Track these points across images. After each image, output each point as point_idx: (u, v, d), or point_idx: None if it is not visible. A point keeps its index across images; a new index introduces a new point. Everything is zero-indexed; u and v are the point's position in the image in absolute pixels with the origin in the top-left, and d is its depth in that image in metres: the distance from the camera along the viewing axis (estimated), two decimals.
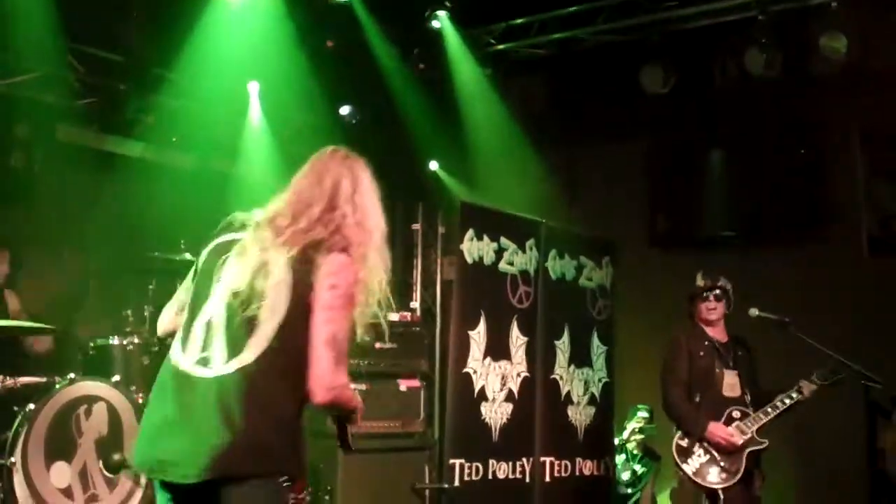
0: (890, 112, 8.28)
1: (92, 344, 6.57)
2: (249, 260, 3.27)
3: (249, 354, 3.17)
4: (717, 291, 6.41)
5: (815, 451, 8.13)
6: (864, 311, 8.28)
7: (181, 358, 3.25)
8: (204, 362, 3.20)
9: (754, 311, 6.36)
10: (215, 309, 3.27)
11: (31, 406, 5.76)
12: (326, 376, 3.17)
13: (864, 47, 7.78)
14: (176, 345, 3.31)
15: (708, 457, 6.15)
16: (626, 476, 8.45)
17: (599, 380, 7.99)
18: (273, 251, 3.26)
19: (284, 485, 3.19)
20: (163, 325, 3.57)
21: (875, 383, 6.14)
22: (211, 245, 3.42)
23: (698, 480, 6.12)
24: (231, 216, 3.48)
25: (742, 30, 8.04)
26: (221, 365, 3.18)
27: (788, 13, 7.90)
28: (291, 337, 3.20)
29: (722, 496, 6.09)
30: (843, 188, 8.71)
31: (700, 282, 6.48)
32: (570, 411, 7.69)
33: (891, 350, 7.83)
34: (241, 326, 3.20)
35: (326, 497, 6.27)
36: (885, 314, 8.20)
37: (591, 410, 7.89)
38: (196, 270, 3.44)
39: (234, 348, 3.19)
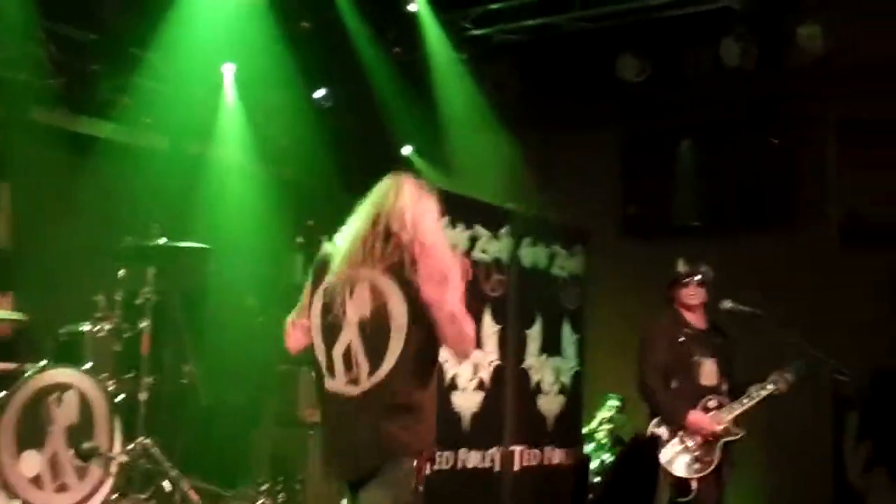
0: (863, 104, 8.34)
1: (63, 330, 6.50)
2: None
3: None
4: (699, 277, 6.40)
5: (781, 440, 8.20)
6: (832, 301, 8.35)
7: None
8: None
9: (727, 304, 6.36)
10: None
11: (2, 394, 5.71)
12: None
13: (839, 39, 7.80)
14: None
15: (682, 446, 6.15)
16: (594, 465, 8.49)
17: (570, 369, 8.02)
18: None
19: None
20: None
21: (843, 376, 6.19)
22: None
23: (671, 470, 6.11)
24: None
25: (718, 20, 8.05)
26: None
27: (764, 3, 7.93)
28: None
29: (694, 486, 6.11)
30: (815, 179, 8.77)
31: (681, 267, 6.44)
32: (541, 400, 7.71)
33: (857, 342, 7.92)
34: None
35: (297, 487, 6.26)
36: (852, 305, 8.28)
37: (562, 399, 7.92)
38: None
39: None
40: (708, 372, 6.32)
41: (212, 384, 7.22)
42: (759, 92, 8.52)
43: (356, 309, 3.74)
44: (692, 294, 6.38)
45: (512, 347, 7.57)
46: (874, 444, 1.83)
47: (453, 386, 7.19)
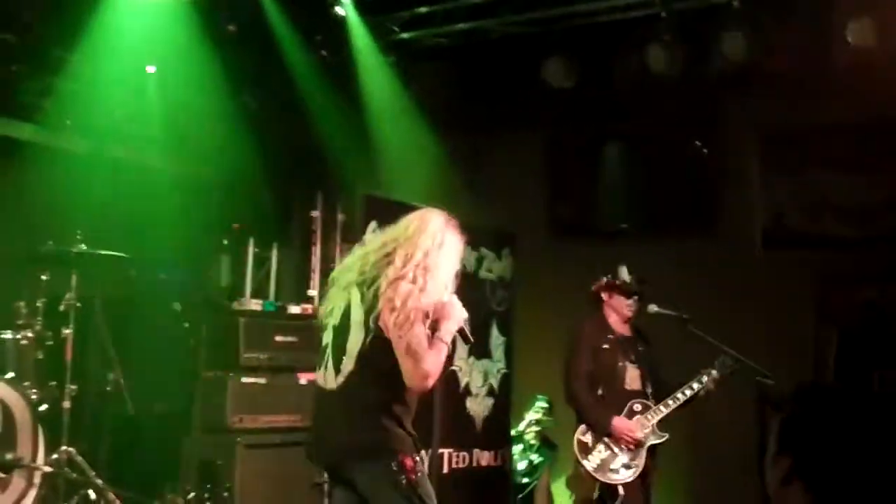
0: (786, 111, 8.47)
1: None
2: None
3: None
4: (642, 292, 6.43)
5: (706, 444, 8.31)
6: (756, 305, 8.47)
7: None
8: None
9: (653, 307, 6.44)
10: None
11: None
12: None
13: (764, 47, 7.90)
14: None
15: (609, 452, 6.20)
16: (522, 466, 8.51)
17: (498, 371, 8.04)
18: None
19: None
20: None
21: (767, 379, 6.28)
22: None
23: (600, 476, 6.16)
24: None
25: (645, 26, 8.12)
26: None
27: (691, 11, 8.01)
28: None
29: (622, 492, 6.16)
30: (740, 184, 8.88)
31: (626, 277, 6.44)
32: (469, 403, 7.73)
33: (781, 345, 8.05)
34: None
35: (225, 494, 6.18)
36: (776, 309, 8.41)
37: (490, 402, 7.94)
38: None
39: None
40: (632, 377, 6.40)
41: (137, 391, 7.10)
42: (685, 98, 8.61)
43: (336, 312, 4.25)
44: (630, 305, 6.42)
45: None
46: (794, 457, 1.84)
47: None
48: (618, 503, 6.14)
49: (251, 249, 8.14)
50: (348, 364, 4.17)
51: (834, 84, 7.87)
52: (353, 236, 7.77)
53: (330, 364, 4.22)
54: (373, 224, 7.16)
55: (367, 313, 4.13)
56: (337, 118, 8.78)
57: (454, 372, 7.69)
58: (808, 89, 8.07)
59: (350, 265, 4.34)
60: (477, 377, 7.79)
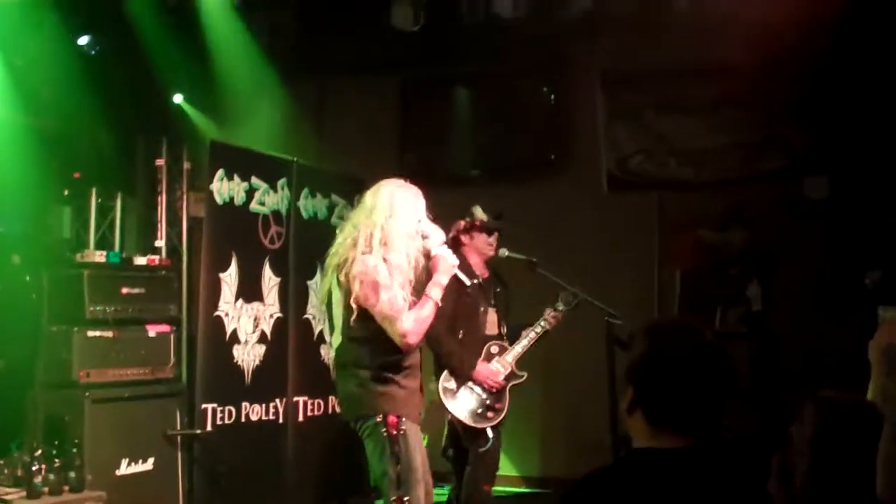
0: (628, 56, 8.63)
1: None
2: None
3: None
4: (500, 228, 6.46)
5: (560, 383, 8.51)
6: (602, 247, 8.67)
7: None
8: None
9: (504, 252, 6.49)
10: None
11: None
12: None
13: None
14: None
15: (475, 396, 6.24)
16: None
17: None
18: None
19: None
20: None
21: (615, 318, 6.44)
22: None
23: (469, 422, 6.18)
24: None
25: None
26: None
27: None
28: None
29: (490, 434, 6.21)
30: (585, 128, 9.03)
31: (481, 215, 6.44)
32: (324, 350, 7.70)
33: (627, 284, 8.27)
34: None
35: (74, 450, 6.04)
36: (622, 250, 8.63)
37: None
38: None
39: None
40: (491, 322, 6.46)
41: None
42: (531, 42, 8.67)
43: (324, 295, 4.92)
44: (491, 243, 6.44)
45: (293, 299, 7.53)
46: (636, 387, 1.94)
47: (235, 339, 7.11)
48: (489, 446, 6.19)
49: (94, 200, 7.90)
50: (336, 339, 4.81)
51: (675, 28, 8.04)
52: (199, 184, 7.63)
53: (328, 339, 5.04)
54: (220, 172, 7.04)
55: (346, 294, 4.67)
56: (179, 63, 8.55)
57: (308, 320, 7.71)
58: (649, 33, 8.22)
59: (335, 250, 4.82)
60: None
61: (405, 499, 4.62)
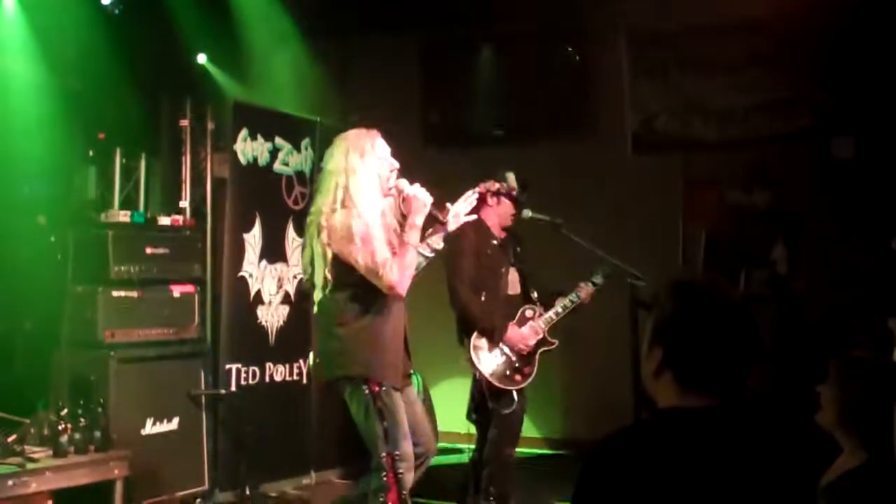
0: (653, 14, 8.54)
1: None
2: None
3: None
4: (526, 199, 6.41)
5: (583, 345, 8.48)
6: (626, 208, 8.62)
7: None
8: None
9: (527, 213, 6.43)
10: None
11: None
12: None
13: None
14: None
15: (504, 358, 6.21)
16: None
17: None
18: None
19: None
20: None
21: (639, 280, 6.41)
22: None
23: (496, 382, 6.15)
24: None
25: None
26: None
27: None
28: None
29: (516, 397, 6.20)
30: (609, 88, 8.96)
31: (514, 184, 6.36)
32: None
33: (650, 246, 8.22)
34: None
35: (99, 410, 6.07)
36: (646, 211, 8.57)
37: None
38: None
39: None
40: (512, 281, 6.42)
41: (4, 308, 6.89)
42: (556, 0, 8.60)
43: (307, 250, 4.83)
44: (514, 214, 6.39)
45: None
46: (664, 349, 1.92)
47: (259, 300, 7.12)
48: (513, 408, 6.19)
49: (118, 160, 7.90)
50: (318, 293, 4.73)
51: None
52: (223, 144, 7.62)
53: (312, 295, 4.79)
54: (243, 132, 7.03)
55: (324, 245, 4.63)
56: (203, 23, 8.52)
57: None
58: None
59: (314, 210, 4.79)
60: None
61: (395, 453, 4.62)
